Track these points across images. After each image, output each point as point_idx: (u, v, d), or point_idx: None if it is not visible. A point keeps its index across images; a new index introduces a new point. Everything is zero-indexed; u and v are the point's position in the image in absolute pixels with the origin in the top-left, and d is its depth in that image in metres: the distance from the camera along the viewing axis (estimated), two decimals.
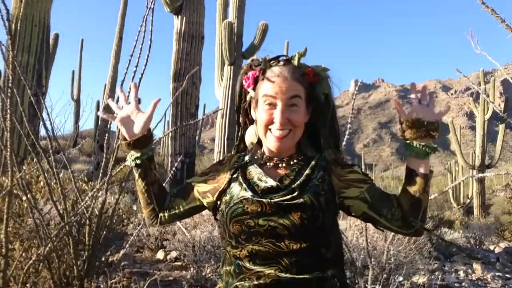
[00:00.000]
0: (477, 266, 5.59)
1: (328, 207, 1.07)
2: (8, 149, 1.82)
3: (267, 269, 1.03)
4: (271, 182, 1.09)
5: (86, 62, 17.28)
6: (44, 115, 2.17)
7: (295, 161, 1.14)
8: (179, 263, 4.15)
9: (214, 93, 9.64)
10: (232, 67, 9.09)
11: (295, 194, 1.05)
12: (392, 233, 2.93)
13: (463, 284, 4.81)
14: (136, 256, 4.49)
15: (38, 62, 6.69)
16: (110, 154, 2.24)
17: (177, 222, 4.38)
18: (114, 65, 11.83)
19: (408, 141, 1.09)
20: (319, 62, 1.15)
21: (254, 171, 1.14)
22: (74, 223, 2.37)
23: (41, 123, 2.24)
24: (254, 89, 1.15)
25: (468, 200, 16.03)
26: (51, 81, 7.43)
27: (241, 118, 1.24)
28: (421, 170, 1.09)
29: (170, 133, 7.27)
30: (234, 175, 1.14)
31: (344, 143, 1.91)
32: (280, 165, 1.14)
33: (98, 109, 15.38)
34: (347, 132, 2.23)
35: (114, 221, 3.10)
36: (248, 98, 1.19)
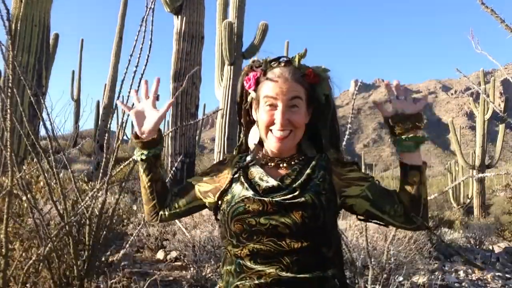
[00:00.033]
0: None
1: (329, 206, 1.08)
2: (8, 149, 1.82)
3: (268, 268, 1.04)
4: (272, 182, 1.10)
5: (86, 62, 17.29)
6: (44, 115, 2.17)
7: (296, 161, 1.15)
8: (179, 263, 4.15)
9: (214, 93, 9.65)
10: (232, 67, 9.09)
11: (296, 193, 1.06)
12: (392, 233, 2.93)
13: (463, 284, 4.81)
14: (136, 256, 4.49)
15: (38, 62, 6.69)
16: (110, 154, 2.24)
17: (177, 222, 4.39)
18: (114, 65, 11.82)
19: (396, 138, 1.11)
20: (319, 62, 1.16)
21: (256, 171, 1.14)
22: (74, 223, 2.38)
23: (41, 123, 2.24)
24: (255, 90, 1.15)
25: (468, 200, 16.03)
26: (51, 81, 7.43)
27: (242, 119, 1.25)
28: (414, 162, 1.11)
29: (170, 133, 7.27)
30: (236, 175, 1.15)
31: (344, 143, 1.91)
32: (281, 165, 1.14)
33: (98, 109, 15.41)
34: (347, 132, 2.23)
35: (114, 221, 3.10)
36: (249, 99, 1.20)
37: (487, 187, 20.04)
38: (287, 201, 1.05)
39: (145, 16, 2.01)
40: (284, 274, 1.03)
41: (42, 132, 6.12)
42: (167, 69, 8.01)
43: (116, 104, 2.50)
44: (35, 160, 2.16)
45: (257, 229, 1.05)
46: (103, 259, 2.64)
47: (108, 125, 2.30)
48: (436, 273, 4.86)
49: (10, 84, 1.81)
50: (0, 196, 1.99)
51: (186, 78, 3.22)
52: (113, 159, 2.21)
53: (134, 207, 5.68)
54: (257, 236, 1.05)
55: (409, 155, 1.11)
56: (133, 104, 1.23)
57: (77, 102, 15.86)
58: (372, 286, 2.77)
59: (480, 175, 2.38)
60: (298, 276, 1.03)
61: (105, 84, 12.24)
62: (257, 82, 1.15)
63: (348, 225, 4.78)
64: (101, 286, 2.61)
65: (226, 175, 1.18)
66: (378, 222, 1.17)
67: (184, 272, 3.93)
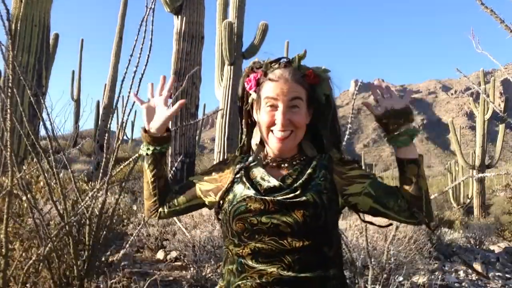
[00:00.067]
0: (477, 266, 5.59)
1: (331, 205, 1.08)
2: (8, 149, 1.82)
3: (270, 267, 1.04)
4: (273, 182, 1.11)
5: (86, 62, 17.29)
6: (44, 115, 2.17)
7: (297, 161, 1.15)
8: (179, 263, 4.15)
9: (214, 93, 9.64)
10: (232, 67, 9.09)
11: (298, 192, 1.07)
12: (392, 233, 2.93)
13: (463, 284, 4.82)
14: (136, 256, 4.49)
15: (38, 62, 6.69)
16: (110, 154, 2.24)
17: (177, 222, 4.39)
18: (114, 65, 11.82)
19: (391, 135, 1.13)
20: (319, 62, 1.17)
21: (257, 171, 1.15)
22: (74, 223, 2.38)
23: (41, 123, 2.24)
24: (256, 91, 1.16)
25: (468, 200, 16.03)
26: (51, 81, 7.42)
27: (243, 120, 1.25)
28: (410, 156, 1.13)
29: None
30: (238, 175, 1.16)
31: (344, 143, 1.91)
32: (282, 165, 1.15)
33: (98, 109, 15.40)
34: (347, 132, 2.24)
35: (114, 221, 3.10)
36: (250, 100, 1.21)
37: (487, 187, 20.05)
38: (288, 200, 1.06)
39: (145, 16, 2.01)
40: (285, 273, 1.03)
41: (42, 132, 6.11)
42: (167, 69, 8.01)
43: (116, 104, 2.50)
44: (35, 160, 2.15)
45: (258, 228, 1.06)
46: (103, 259, 2.64)
47: (108, 125, 2.29)
48: (436, 273, 4.86)
49: (10, 84, 1.80)
50: (0, 196, 1.98)
51: (186, 78, 3.22)
52: (113, 159, 2.21)
53: (134, 207, 5.68)
54: (258, 235, 1.06)
55: (405, 150, 1.13)
56: (148, 100, 1.24)
57: (77, 102, 15.85)
58: (372, 286, 2.77)
59: (480, 175, 2.38)
60: (300, 275, 1.03)
61: (105, 84, 12.24)
62: (258, 83, 1.15)
63: (348, 225, 4.79)
64: (101, 286, 2.61)
65: (228, 175, 1.19)
66: (382, 226, 1.17)
67: (184, 272, 3.93)
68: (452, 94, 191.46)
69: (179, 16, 7.82)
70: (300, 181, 1.09)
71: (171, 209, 1.25)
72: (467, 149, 22.07)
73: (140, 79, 2.04)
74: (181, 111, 7.55)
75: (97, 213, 2.31)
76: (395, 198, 1.12)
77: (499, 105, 16.47)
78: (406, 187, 1.12)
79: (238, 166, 1.18)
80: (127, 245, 2.67)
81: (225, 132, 8.84)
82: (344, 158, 1.18)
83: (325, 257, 1.08)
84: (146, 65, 2.04)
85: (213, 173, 1.22)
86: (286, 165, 1.15)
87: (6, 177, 2.47)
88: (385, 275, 3.31)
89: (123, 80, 2.10)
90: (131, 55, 2.03)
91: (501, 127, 14.83)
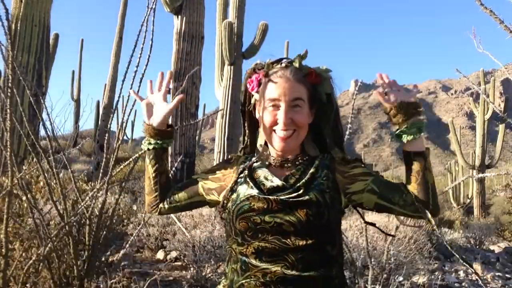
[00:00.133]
0: (477, 266, 5.59)
1: (333, 204, 1.09)
2: (8, 149, 1.82)
3: (273, 266, 1.05)
4: (277, 182, 1.12)
5: (86, 62, 17.29)
6: (44, 115, 2.16)
7: (300, 161, 1.16)
8: (179, 263, 4.15)
9: (214, 93, 9.64)
10: (232, 67, 9.09)
11: (301, 191, 1.08)
12: (392, 233, 2.93)
13: (463, 284, 4.82)
14: (136, 256, 4.49)
15: (38, 62, 6.69)
16: (110, 154, 2.24)
17: (177, 222, 4.39)
18: (114, 65, 11.82)
19: (399, 129, 1.13)
20: (320, 62, 1.17)
21: (261, 171, 1.16)
22: (74, 223, 2.37)
23: (41, 123, 2.23)
24: (258, 92, 1.17)
25: (468, 200, 16.02)
26: (51, 81, 7.42)
27: (246, 122, 1.26)
28: (417, 149, 1.13)
29: None
30: (241, 175, 1.17)
31: (344, 143, 1.91)
32: (285, 165, 1.16)
33: (98, 109, 15.41)
34: (347, 132, 2.23)
35: (114, 221, 3.10)
36: (252, 101, 1.22)
37: (487, 187, 20.04)
38: (291, 200, 1.07)
39: (146, 16, 2.01)
40: (289, 272, 1.04)
41: (42, 132, 6.10)
42: (167, 69, 7.96)
43: (116, 104, 2.50)
44: (35, 160, 2.15)
45: (262, 227, 1.07)
46: (103, 259, 2.64)
47: (108, 125, 2.29)
48: (436, 273, 4.86)
49: (10, 84, 1.80)
50: (0, 196, 1.98)
51: (186, 78, 3.22)
52: (113, 159, 2.20)
53: (134, 207, 5.68)
54: (262, 234, 1.07)
55: (412, 143, 1.13)
56: (147, 96, 1.26)
57: (77, 102, 15.85)
58: (372, 286, 2.77)
59: (480, 175, 2.37)
60: (303, 274, 1.04)
61: (105, 84, 12.24)
62: (260, 84, 1.16)
63: (348, 225, 4.78)
64: (101, 286, 2.61)
65: (231, 175, 1.20)
66: (388, 234, 1.16)
67: (184, 272, 3.93)
68: (452, 94, 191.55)
69: (179, 16, 7.82)
70: (303, 180, 1.10)
71: (171, 205, 1.26)
72: (467, 149, 22.07)
73: (141, 79, 2.03)
74: (181, 111, 7.56)
75: (97, 213, 2.31)
76: (399, 193, 1.12)
77: (499, 105, 16.47)
78: (413, 180, 1.12)
79: (242, 166, 1.18)
80: (127, 245, 2.67)
81: (225, 132, 8.84)
82: (346, 158, 1.18)
83: (328, 256, 1.09)
84: (146, 65, 2.04)
85: (217, 172, 1.23)
86: (289, 165, 1.15)
87: (6, 177, 2.47)
88: (385, 275, 3.31)
89: (123, 80, 2.10)
90: (132, 55, 2.03)
91: (501, 127, 14.83)
